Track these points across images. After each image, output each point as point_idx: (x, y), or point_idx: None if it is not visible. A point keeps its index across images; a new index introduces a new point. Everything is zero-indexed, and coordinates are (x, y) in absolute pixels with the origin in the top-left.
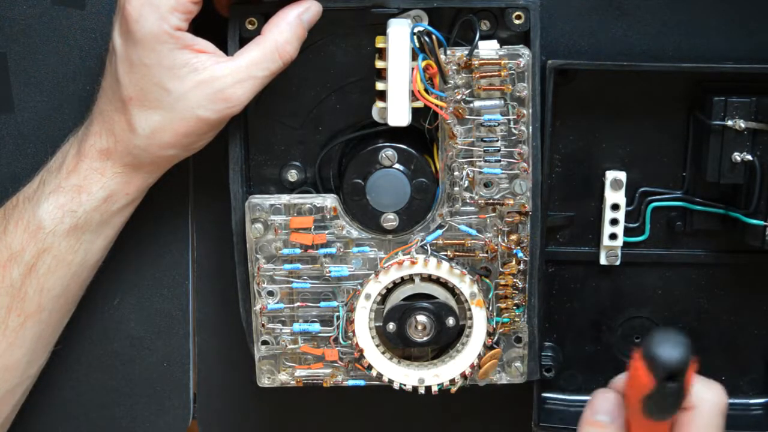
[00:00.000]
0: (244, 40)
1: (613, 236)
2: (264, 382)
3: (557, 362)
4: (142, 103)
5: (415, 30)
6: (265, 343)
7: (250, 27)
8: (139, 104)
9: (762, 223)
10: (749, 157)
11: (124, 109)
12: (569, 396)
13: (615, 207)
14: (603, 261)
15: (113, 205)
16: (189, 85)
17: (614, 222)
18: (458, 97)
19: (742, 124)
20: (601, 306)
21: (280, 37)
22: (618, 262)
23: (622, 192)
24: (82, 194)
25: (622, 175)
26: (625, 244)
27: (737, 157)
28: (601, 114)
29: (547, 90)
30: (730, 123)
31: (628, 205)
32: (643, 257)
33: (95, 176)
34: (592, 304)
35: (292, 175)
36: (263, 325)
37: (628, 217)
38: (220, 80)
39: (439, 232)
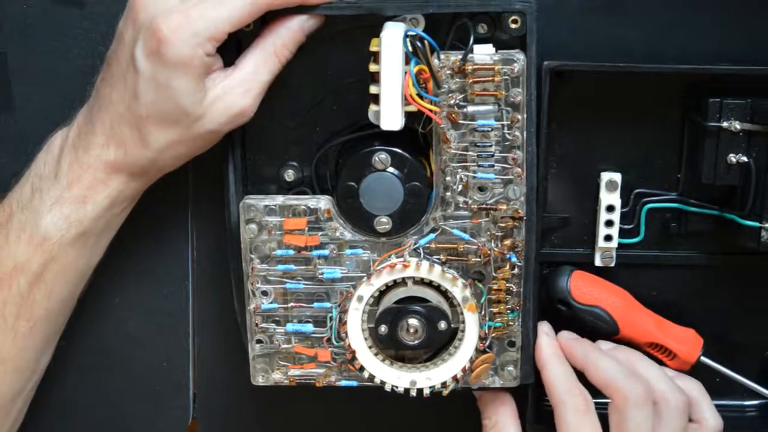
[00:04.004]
0: (241, 40)
1: (608, 238)
2: (258, 380)
3: None
4: (160, 121)
5: (408, 34)
6: (259, 342)
7: (245, 29)
8: (156, 123)
9: (757, 224)
10: (744, 159)
11: (138, 125)
12: None
13: (610, 208)
14: (598, 262)
15: (116, 210)
16: (206, 104)
17: (609, 223)
18: (452, 101)
19: (737, 125)
20: None
21: (278, 41)
22: (613, 264)
23: (617, 193)
24: (87, 204)
25: (617, 177)
26: (620, 246)
27: (732, 158)
28: (596, 115)
29: (543, 91)
30: (725, 124)
31: (623, 206)
32: (639, 259)
33: (100, 187)
34: None
35: (289, 175)
36: (257, 325)
37: (624, 218)
38: (232, 93)
39: (432, 236)
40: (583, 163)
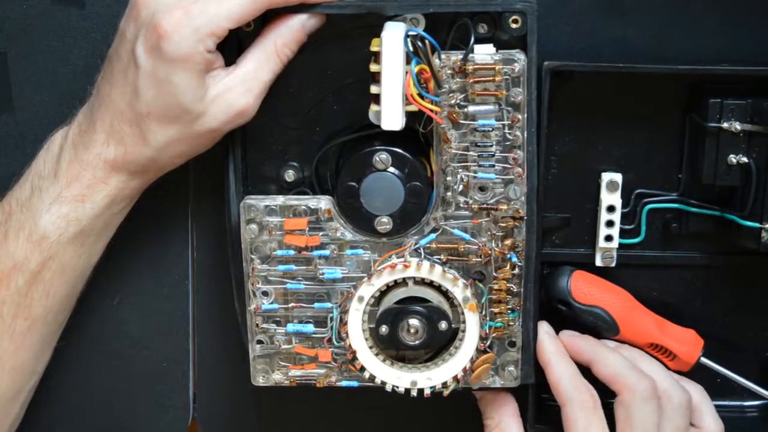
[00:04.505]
0: (242, 40)
1: (608, 238)
2: (258, 381)
3: None
4: (160, 118)
5: (409, 34)
6: (259, 342)
7: (246, 29)
8: (156, 119)
9: (757, 225)
10: (745, 159)
11: (138, 121)
12: None
13: (611, 209)
14: (598, 263)
15: (115, 209)
16: (207, 101)
17: (610, 224)
18: (452, 101)
19: (737, 126)
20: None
21: (279, 40)
22: (613, 264)
23: (618, 193)
24: (86, 203)
25: (617, 177)
26: (621, 246)
27: (733, 159)
28: (596, 115)
29: (543, 91)
30: (725, 125)
31: (623, 206)
32: (639, 259)
33: (99, 186)
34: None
35: (290, 175)
36: (257, 325)
37: (624, 218)
38: (233, 91)
39: (433, 236)
40: (583, 163)
